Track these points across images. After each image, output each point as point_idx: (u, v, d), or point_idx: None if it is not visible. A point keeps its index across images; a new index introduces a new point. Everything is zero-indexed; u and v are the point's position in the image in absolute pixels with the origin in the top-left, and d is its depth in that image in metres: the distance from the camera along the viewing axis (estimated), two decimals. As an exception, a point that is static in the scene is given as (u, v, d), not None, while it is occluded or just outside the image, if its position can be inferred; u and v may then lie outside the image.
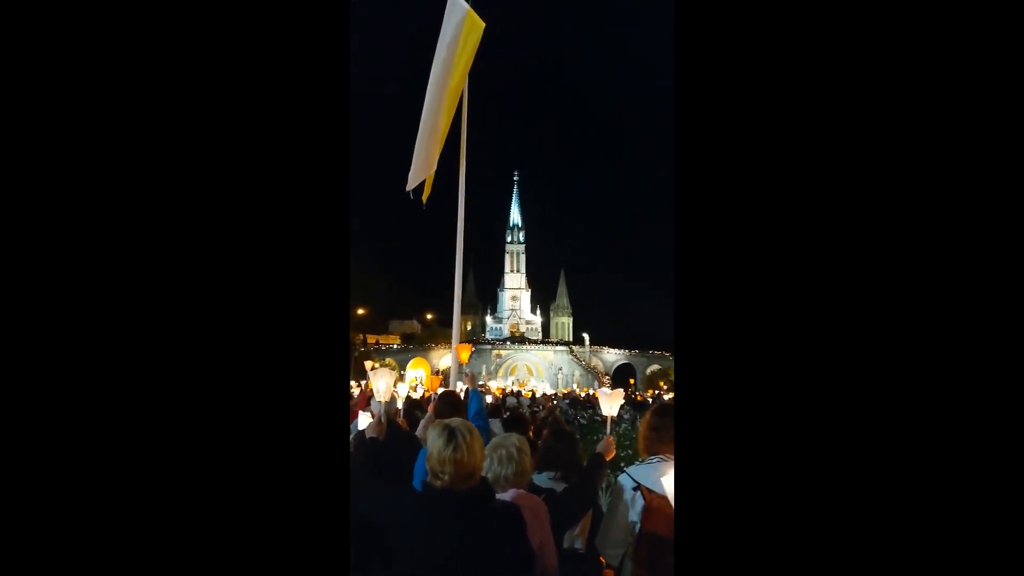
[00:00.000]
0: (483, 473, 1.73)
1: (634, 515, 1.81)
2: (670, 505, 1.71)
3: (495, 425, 3.62)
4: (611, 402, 2.38)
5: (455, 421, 1.58)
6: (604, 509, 2.11)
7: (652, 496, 1.76)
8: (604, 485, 2.69)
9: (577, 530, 2.12)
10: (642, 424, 2.02)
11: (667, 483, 1.68)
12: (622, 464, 1.93)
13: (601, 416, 2.56)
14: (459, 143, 4.50)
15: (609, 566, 1.89)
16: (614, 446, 2.22)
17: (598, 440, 2.34)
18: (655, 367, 62.43)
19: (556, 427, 3.17)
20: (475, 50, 4.19)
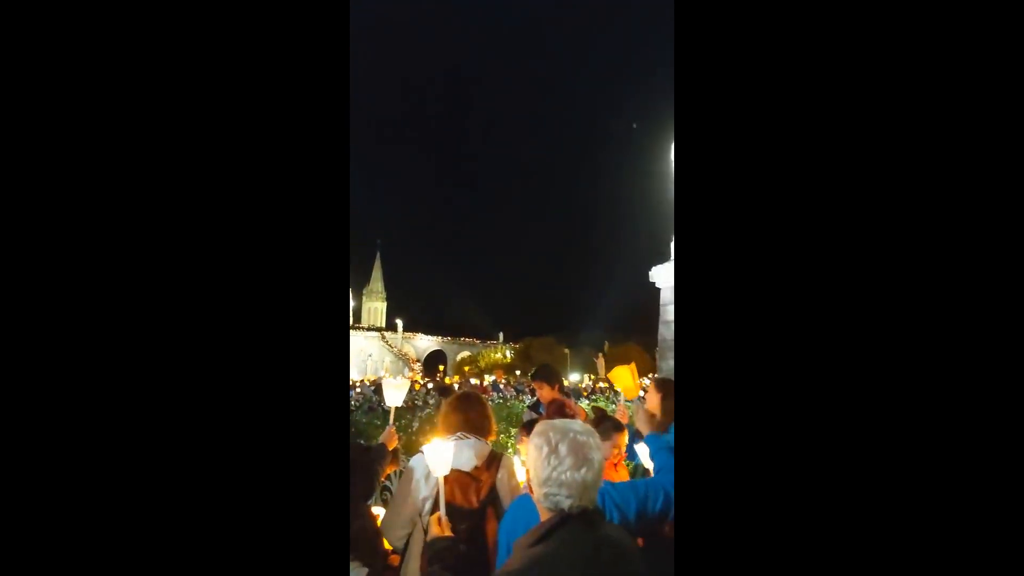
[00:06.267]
0: None
1: (426, 490, 1.82)
2: (462, 475, 1.77)
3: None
4: (396, 392, 2.38)
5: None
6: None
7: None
8: (397, 472, 2.66)
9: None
10: (444, 405, 2.07)
11: (460, 457, 1.72)
12: (422, 451, 1.94)
13: (405, 402, 2.52)
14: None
15: (395, 551, 1.86)
16: (396, 436, 2.23)
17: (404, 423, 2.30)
18: (465, 353, 64.67)
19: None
20: None
